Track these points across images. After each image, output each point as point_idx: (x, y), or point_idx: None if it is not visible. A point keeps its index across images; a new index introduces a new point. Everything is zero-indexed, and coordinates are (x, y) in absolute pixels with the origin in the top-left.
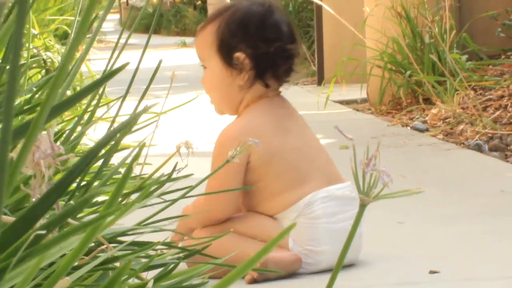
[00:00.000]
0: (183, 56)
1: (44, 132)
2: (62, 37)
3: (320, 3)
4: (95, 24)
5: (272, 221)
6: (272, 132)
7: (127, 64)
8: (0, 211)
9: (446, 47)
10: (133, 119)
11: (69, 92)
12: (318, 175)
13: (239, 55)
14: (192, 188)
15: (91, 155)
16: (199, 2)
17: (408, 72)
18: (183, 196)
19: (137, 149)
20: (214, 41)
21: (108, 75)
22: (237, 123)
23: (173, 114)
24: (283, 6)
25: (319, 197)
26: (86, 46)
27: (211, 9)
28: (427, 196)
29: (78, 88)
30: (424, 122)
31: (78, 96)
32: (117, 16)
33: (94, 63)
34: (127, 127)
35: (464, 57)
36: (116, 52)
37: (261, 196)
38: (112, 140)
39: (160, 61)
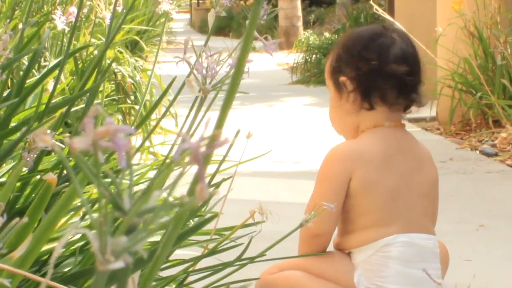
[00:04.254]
0: (252, 61)
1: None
2: (132, 46)
3: (392, 20)
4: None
5: (341, 257)
6: (377, 163)
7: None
8: None
9: None
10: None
11: (138, 107)
12: (406, 220)
13: (343, 79)
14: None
15: None
16: (270, 7)
17: (479, 94)
18: (261, 254)
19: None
20: (328, 69)
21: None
22: (347, 144)
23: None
24: (354, 17)
25: (400, 241)
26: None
27: (282, 14)
28: (496, 231)
29: (148, 104)
30: (493, 146)
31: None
32: (187, 16)
33: (162, 66)
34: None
35: None
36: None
37: (345, 227)
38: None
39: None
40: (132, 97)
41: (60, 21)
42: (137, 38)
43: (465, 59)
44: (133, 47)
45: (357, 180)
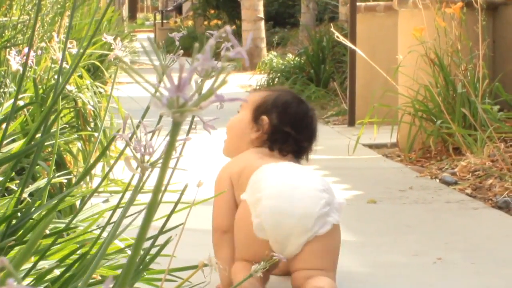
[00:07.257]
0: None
1: None
2: (94, 69)
3: (354, 47)
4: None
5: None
6: (245, 161)
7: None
8: None
9: (478, 97)
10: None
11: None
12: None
13: (265, 119)
14: None
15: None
16: (233, 27)
17: (439, 122)
18: None
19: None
20: (257, 100)
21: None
22: (226, 164)
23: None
24: (317, 41)
25: (292, 165)
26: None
27: (245, 35)
28: (453, 265)
29: (107, 131)
30: (453, 174)
31: None
32: (151, 35)
33: (124, 87)
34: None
35: (496, 107)
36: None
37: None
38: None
39: None
40: (92, 124)
41: (15, 62)
42: (97, 63)
43: (426, 86)
44: (95, 70)
45: (233, 176)
